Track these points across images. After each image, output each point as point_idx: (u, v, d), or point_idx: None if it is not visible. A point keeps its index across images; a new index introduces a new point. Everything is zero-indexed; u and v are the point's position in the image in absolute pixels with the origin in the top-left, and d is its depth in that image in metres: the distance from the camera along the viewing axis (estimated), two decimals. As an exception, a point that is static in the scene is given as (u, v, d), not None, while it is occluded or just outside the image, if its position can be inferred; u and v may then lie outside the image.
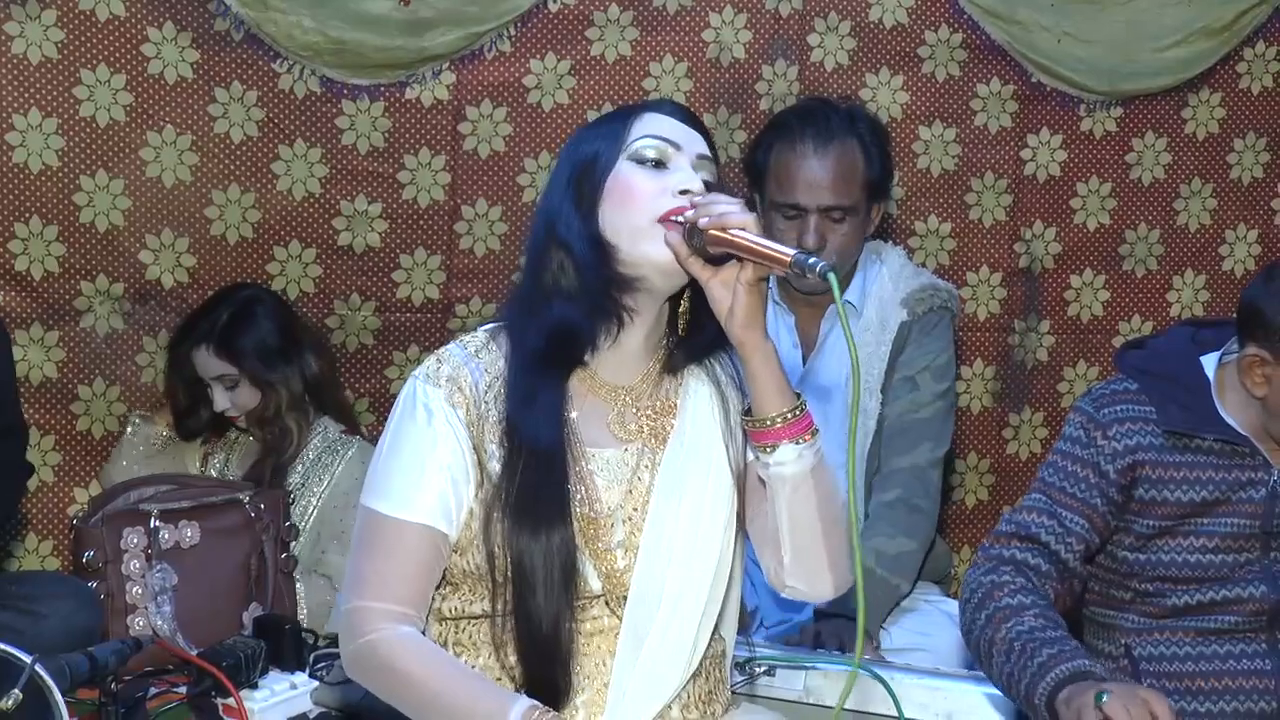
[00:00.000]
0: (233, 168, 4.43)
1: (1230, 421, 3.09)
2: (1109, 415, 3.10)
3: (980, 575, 3.03)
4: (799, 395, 2.51)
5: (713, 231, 2.40)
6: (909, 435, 3.93)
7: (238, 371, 4.12)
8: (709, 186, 2.52)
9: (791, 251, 2.34)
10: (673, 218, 2.45)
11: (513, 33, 4.52)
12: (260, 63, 4.40)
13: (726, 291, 2.44)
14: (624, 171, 2.51)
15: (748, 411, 2.53)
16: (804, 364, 4.03)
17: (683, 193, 2.47)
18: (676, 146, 2.53)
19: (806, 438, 2.50)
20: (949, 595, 4.16)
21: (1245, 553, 3.09)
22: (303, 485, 4.10)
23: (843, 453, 3.87)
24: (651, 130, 2.53)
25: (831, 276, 2.29)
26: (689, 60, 4.61)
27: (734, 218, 2.39)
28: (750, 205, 3.94)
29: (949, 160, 4.76)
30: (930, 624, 3.88)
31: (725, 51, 4.62)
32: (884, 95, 4.70)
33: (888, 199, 4.11)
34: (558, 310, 2.51)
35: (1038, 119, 4.79)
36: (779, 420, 2.49)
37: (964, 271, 4.79)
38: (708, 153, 2.57)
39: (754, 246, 2.38)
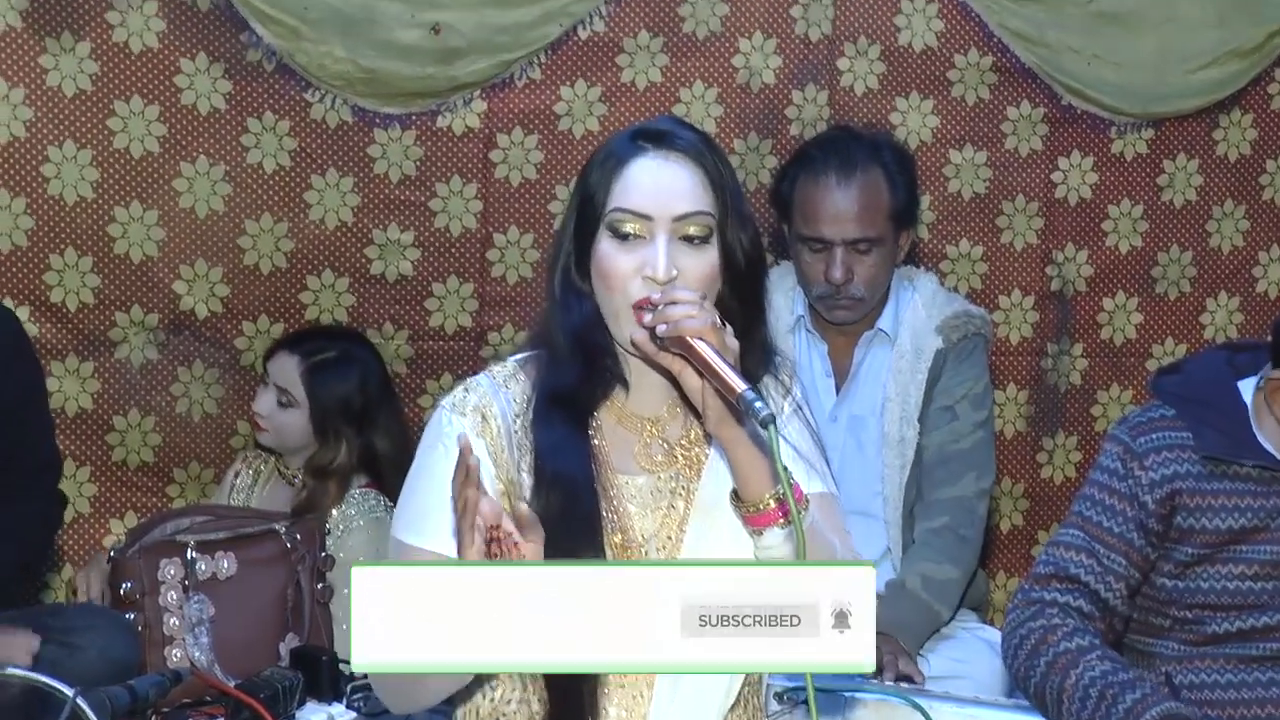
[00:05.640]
0: (266, 197, 4.44)
1: (1268, 447, 3.06)
2: (1146, 444, 3.07)
3: (1026, 620, 3.00)
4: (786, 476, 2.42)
5: (672, 336, 2.37)
6: (952, 465, 3.91)
7: (306, 400, 4.14)
8: (696, 240, 2.48)
9: (742, 386, 2.28)
10: (641, 308, 2.43)
11: (543, 60, 4.53)
12: (292, 93, 4.42)
13: (697, 386, 2.40)
14: (603, 245, 2.49)
15: (734, 495, 2.49)
16: (837, 393, 4.02)
17: (650, 278, 2.44)
18: (648, 218, 2.47)
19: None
20: (986, 622, 4.15)
21: (1286, 580, 3.07)
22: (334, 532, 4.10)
23: (877, 481, 3.92)
24: (630, 195, 2.49)
25: (771, 429, 2.22)
26: (719, 86, 4.62)
27: (689, 325, 2.35)
28: (779, 237, 3.97)
29: (980, 184, 4.76)
30: (969, 651, 3.86)
31: (755, 77, 4.63)
32: (914, 119, 4.70)
33: (916, 226, 4.10)
34: (562, 372, 2.53)
35: (1069, 142, 4.79)
36: (761, 507, 2.44)
37: (996, 295, 4.78)
38: (691, 209, 2.48)
39: (709, 362, 2.33)
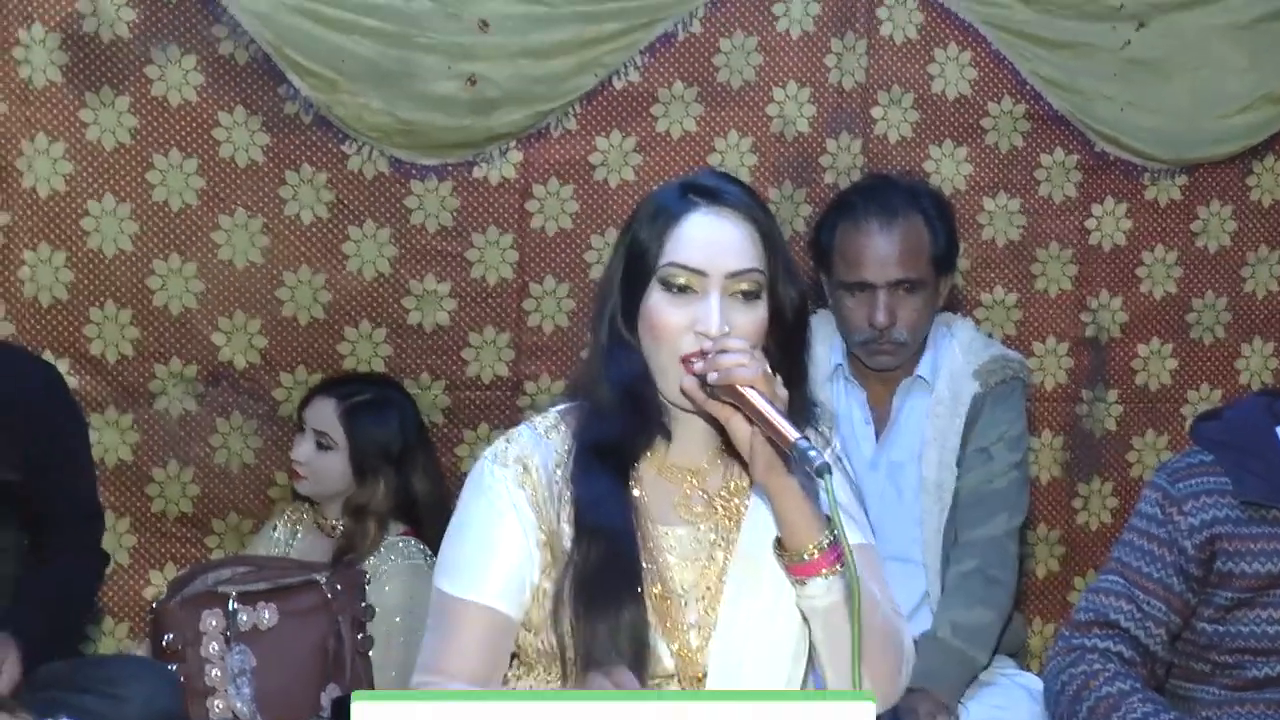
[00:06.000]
0: (303, 249, 4.47)
1: (1308, 491, 3.08)
2: (1184, 490, 3.08)
3: (1068, 666, 3.01)
4: (830, 526, 2.45)
5: (723, 384, 2.40)
6: (985, 506, 3.91)
7: (345, 441, 4.16)
8: (748, 296, 2.51)
9: (795, 435, 2.31)
10: (691, 360, 2.46)
11: (578, 110, 4.56)
12: (329, 144, 4.45)
13: (746, 434, 2.42)
14: (654, 298, 2.52)
15: (779, 543, 2.51)
16: (876, 440, 4.03)
17: (701, 333, 2.47)
18: (703, 274, 2.50)
19: (837, 569, 2.46)
20: (1023, 668, 4.14)
21: (1324, 624, 3.07)
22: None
23: (915, 526, 3.92)
24: (684, 251, 2.52)
25: (827, 478, 2.25)
26: (754, 135, 4.64)
27: (741, 374, 2.38)
28: (816, 286, 3.98)
29: (1014, 231, 4.77)
30: (1008, 698, 3.85)
31: (789, 126, 4.64)
32: (948, 167, 4.71)
33: (954, 272, 4.12)
34: (606, 424, 2.55)
35: (1102, 188, 4.79)
36: (807, 556, 2.46)
37: (1031, 342, 4.78)
38: (744, 265, 2.52)
39: (760, 411, 2.36)
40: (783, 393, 2.43)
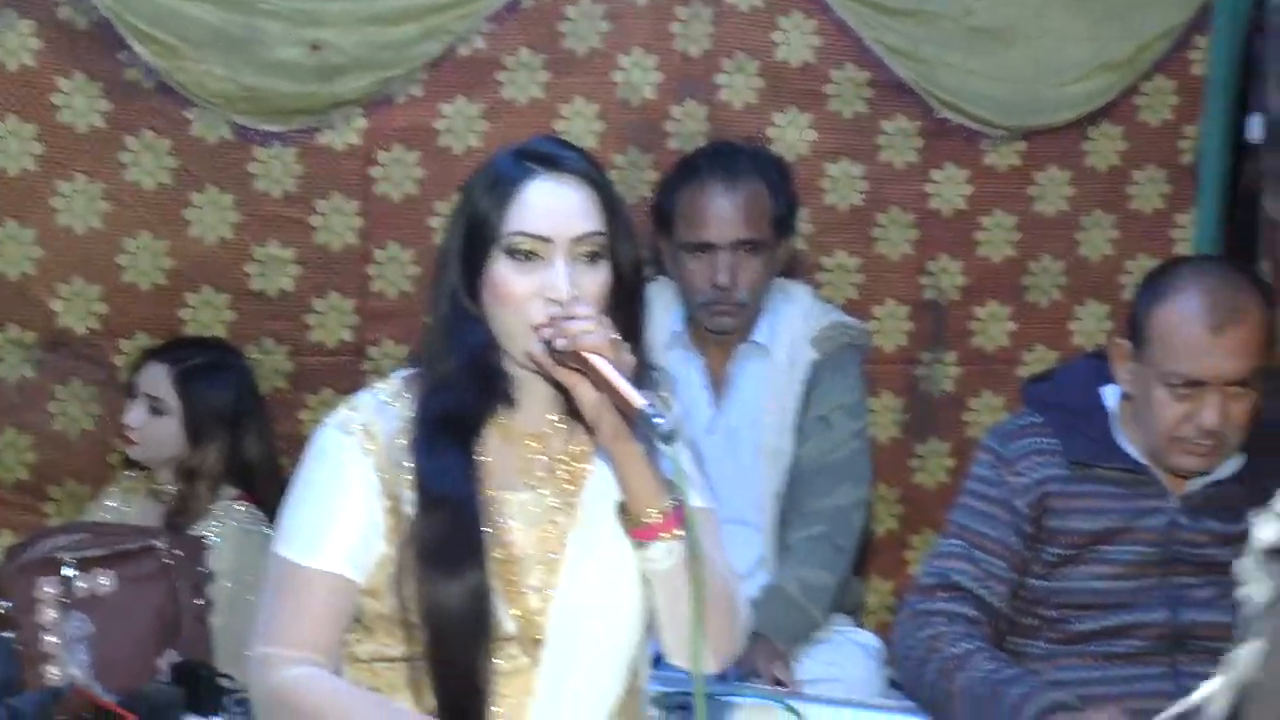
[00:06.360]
0: (145, 215, 4.44)
1: (1130, 451, 3.16)
2: (1015, 450, 3.18)
3: (914, 631, 3.08)
4: (671, 491, 2.49)
5: (571, 350, 2.42)
6: (829, 475, 3.99)
7: (179, 405, 4.13)
8: (593, 258, 2.53)
9: (642, 401, 2.35)
10: (540, 327, 2.47)
11: (424, 77, 4.55)
12: (172, 111, 4.41)
13: (592, 400, 2.45)
14: (499, 267, 2.52)
15: (621, 507, 2.54)
16: (714, 405, 4.08)
17: (551, 299, 2.48)
18: (548, 240, 2.51)
19: (677, 534, 2.49)
20: (860, 625, 4.22)
21: (1146, 579, 3.16)
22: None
23: (753, 491, 3.98)
24: (528, 218, 2.51)
25: (673, 444, 2.31)
26: (600, 102, 4.65)
27: (589, 340, 2.40)
28: (654, 254, 4.02)
29: (856, 196, 4.80)
30: (842, 654, 3.93)
31: (635, 92, 4.66)
32: (792, 133, 4.74)
33: (793, 236, 4.18)
34: (450, 394, 2.56)
35: (942, 154, 4.84)
36: (649, 520, 2.49)
37: (871, 305, 4.82)
38: (588, 229, 2.53)
39: (607, 377, 2.39)
40: (629, 359, 2.46)
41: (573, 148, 2.67)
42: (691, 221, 3.99)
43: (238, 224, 4.50)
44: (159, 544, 3.81)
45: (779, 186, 4.07)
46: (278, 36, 4.40)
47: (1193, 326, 3.01)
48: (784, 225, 4.08)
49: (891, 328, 4.86)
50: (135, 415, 4.17)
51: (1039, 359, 4.91)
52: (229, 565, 3.98)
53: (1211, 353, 3.00)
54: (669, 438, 2.31)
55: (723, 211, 3.96)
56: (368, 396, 2.65)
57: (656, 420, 2.32)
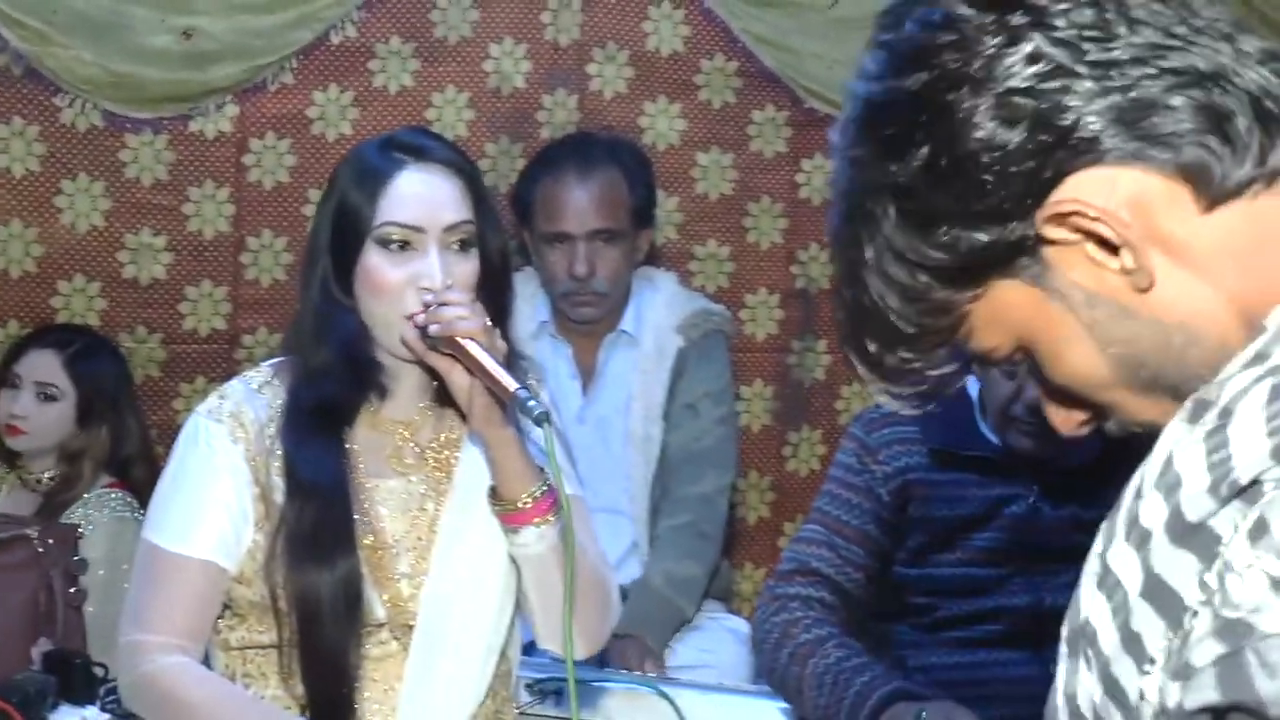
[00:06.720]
0: (14, 203, 4.41)
1: (992, 438, 3.21)
2: (879, 439, 3.20)
3: (771, 615, 3.11)
4: (543, 476, 2.54)
5: (444, 336, 2.46)
6: (695, 463, 4.03)
7: (73, 389, 4.10)
8: (464, 246, 2.56)
9: (515, 385, 2.39)
10: (414, 316, 2.50)
11: (295, 65, 4.55)
12: (41, 97, 4.39)
13: (465, 385, 2.48)
14: (371, 258, 2.55)
15: (493, 493, 2.57)
16: (583, 394, 4.12)
17: (425, 288, 2.51)
18: (421, 230, 2.53)
19: (549, 519, 2.54)
20: (732, 611, 4.26)
21: (1009, 566, 3.19)
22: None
23: (623, 478, 4.02)
24: (399, 208, 2.54)
25: (547, 427, 2.35)
26: (470, 90, 4.67)
27: (462, 325, 2.44)
28: (520, 243, 4.05)
29: (726, 185, 4.85)
30: (714, 641, 3.98)
31: (506, 81, 4.68)
32: (662, 123, 4.78)
33: (653, 226, 4.22)
34: (321, 383, 2.58)
35: (811, 144, 4.89)
36: (521, 505, 2.53)
37: (743, 294, 4.87)
38: (459, 217, 2.57)
39: (480, 362, 2.42)
40: (501, 345, 2.49)
41: (438, 138, 2.72)
42: (549, 212, 4.02)
43: (109, 211, 4.48)
44: (31, 532, 3.79)
45: (637, 176, 4.11)
46: (147, 23, 4.37)
47: None
48: (642, 215, 4.12)
49: (763, 316, 4.90)
50: (23, 404, 4.13)
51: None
52: (102, 553, 3.96)
53: None
54: (541, 420, 2.35)
55: (578, 202, 4.00)
56: (238, 384, 2.67)
57: (530, 403, 2.36)
